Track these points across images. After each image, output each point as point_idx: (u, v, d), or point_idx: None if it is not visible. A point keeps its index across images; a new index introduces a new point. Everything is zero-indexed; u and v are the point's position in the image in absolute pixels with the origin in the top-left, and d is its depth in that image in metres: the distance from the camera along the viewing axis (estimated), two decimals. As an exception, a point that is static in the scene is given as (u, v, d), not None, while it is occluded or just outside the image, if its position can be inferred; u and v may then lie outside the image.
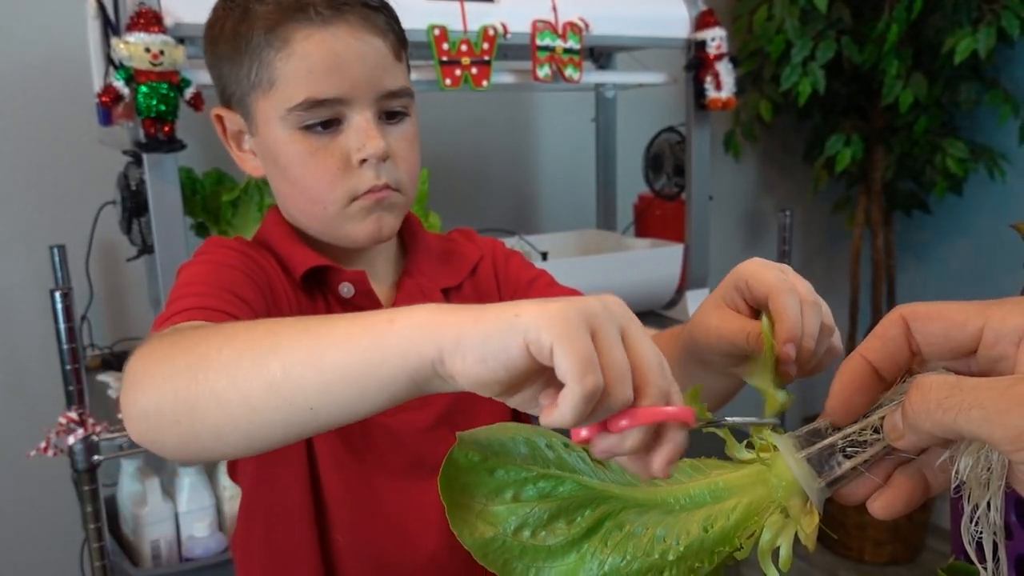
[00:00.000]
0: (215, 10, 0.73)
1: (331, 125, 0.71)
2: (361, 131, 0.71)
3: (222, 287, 0.66)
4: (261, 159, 0.76)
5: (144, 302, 1.63)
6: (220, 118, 0.77)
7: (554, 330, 0.36)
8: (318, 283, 0.76)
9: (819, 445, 0.39)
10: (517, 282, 0.83)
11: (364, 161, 0.71)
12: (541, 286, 0.82)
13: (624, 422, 0.38)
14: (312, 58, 0.68)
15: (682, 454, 0.39)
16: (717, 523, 0.39)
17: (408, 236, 0.83)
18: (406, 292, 0.78)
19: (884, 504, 0.38)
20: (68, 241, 1.50)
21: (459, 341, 0.38)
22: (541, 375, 0.38)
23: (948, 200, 2.32)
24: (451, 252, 0.84)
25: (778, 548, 0.39)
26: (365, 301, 0.75)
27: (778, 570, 0.39)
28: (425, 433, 0.77)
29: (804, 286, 0.50)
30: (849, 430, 0.39)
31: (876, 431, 0.38)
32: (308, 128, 0.70)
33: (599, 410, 0.37)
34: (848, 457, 0.39)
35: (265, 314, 0.68)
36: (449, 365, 0.38)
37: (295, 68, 0.69)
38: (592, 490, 0.39)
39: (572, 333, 0.36)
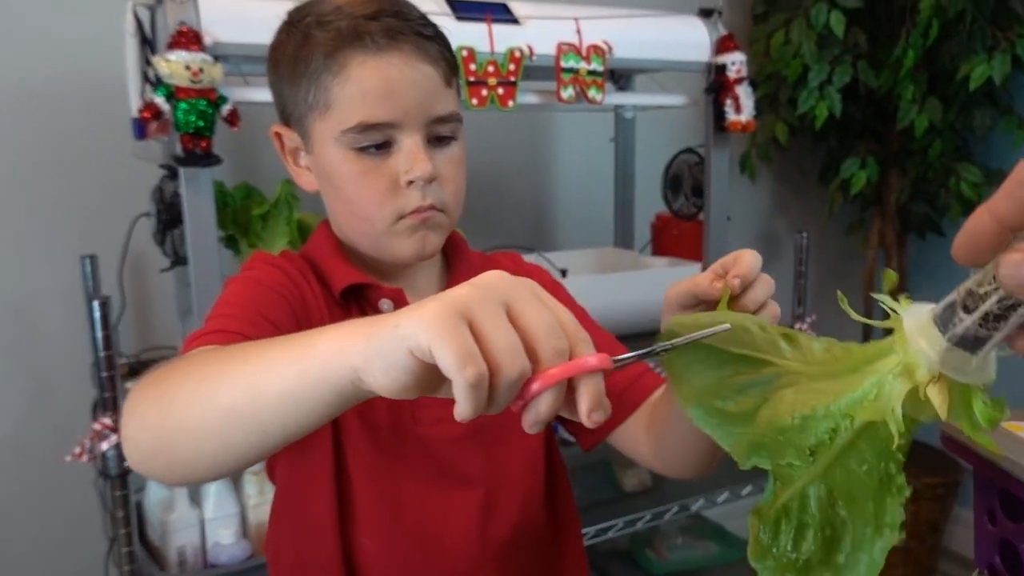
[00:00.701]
0: (279, 33, 0.77)
1: (383, 147, 0.74)
2: (410, 154, 0.74)
3: (254, 309, 0.70)
4: (316, 176, 0.79)
5: (170, 312, 1.66)
6: (279, 135, 0.80)
7: (429, 331, 0.39)
8: (358, 299, 0.79)
9: (940, 304, 0.38)
10: None
11: (411, 182, 0.74)
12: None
13: (535, 386, 0.40)
14: (367, 84, 0.72)
15: (600, 397, 0.41)
16: (847, 392, 0.44)
17: (452, 254, 0.86)
18: None
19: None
20: (96, 252, 1.53)
21: (365, 359, 0.42)
22: None
23: (962, 223, 2.33)
24: None
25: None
26: None
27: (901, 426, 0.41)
28: (455, 443, 0.80)
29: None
30: (967, 284, 0.36)
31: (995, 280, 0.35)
32: (361, 149, 0.74)
33: (499, 391, 0.39)
34: (968, 311, 0.36)
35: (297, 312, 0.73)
36: (366, 381, 0.42)
37: (350, 93, 0.72)
38: (775, 365, 0.48)
39: (445, 330, 0.38)
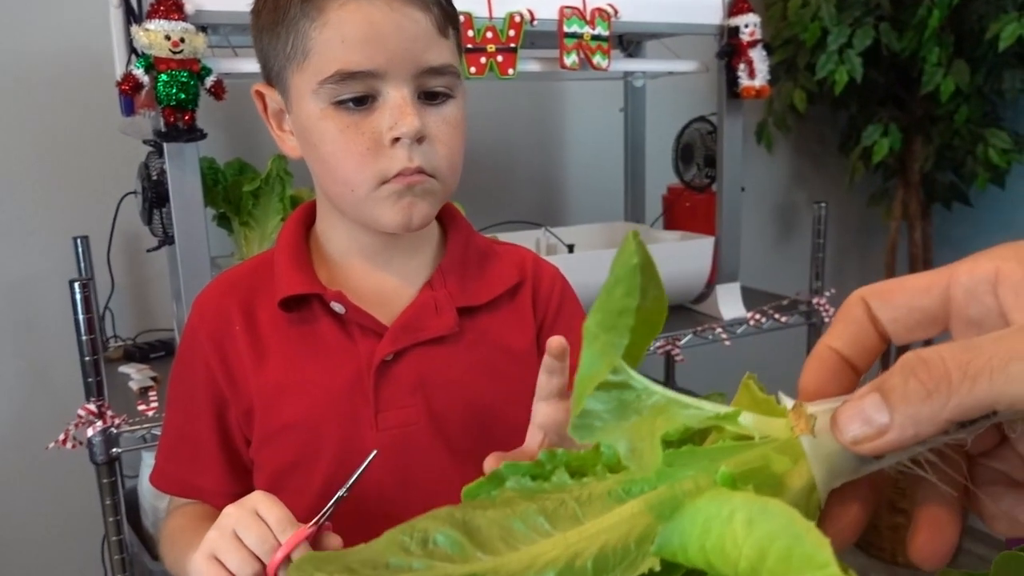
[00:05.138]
0: None
1: (365, 102, 0.67)
2: (395, 108, 0.67)
3: (182, 435, 0.78)
4: (297, 138, 0.73)
5: (168, 293, 1.63)
6: (261, 95, 0.74)
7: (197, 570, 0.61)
8: (311, 299, 0.74)
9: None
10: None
11: (397, 140, 0.67)
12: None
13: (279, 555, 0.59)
14: (346, 27, 0.65)
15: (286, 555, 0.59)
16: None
17: (448, 229, 0.80)
18: (421, 303, 0.75)
19: (926, 544, 0.28)
20: (92, 232, 1.50)
21: None
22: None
23: (990, 192, 2.24)
24: (488, 269, 0.80)
25: None
26: (358, 316, 0.73)
27: None
28: None
29: None
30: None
31: None
32: (340, 104, 0.67)
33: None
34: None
35: (215, 390, 0.76)
36: None
37: (328, 38, 0.66)
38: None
39: (205, 567, 0.60)
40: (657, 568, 0.21)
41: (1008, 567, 0.37)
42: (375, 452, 0.61)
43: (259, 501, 0.60)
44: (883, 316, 0.29)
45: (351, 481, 0.61)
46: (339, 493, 0.61)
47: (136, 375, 1.29)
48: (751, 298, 1.66)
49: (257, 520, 0.59)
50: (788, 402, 0.27)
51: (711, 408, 0.25)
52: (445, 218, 0.82)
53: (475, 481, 0.26)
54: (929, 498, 0.29)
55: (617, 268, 0.24)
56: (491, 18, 1.31)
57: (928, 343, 0.27)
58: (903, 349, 0.28)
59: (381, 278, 0.76)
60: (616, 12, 1.40)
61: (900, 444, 0.25)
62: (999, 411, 0.24)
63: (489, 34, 1.31)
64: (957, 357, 0.24)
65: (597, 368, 0.24)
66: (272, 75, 0.72)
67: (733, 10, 1.50)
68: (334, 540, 0.61)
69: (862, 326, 0.30)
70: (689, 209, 1.81)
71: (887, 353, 0.31)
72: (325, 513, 0.60)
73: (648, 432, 0.23)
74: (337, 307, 0.73)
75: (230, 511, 0.60)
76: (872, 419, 0.25)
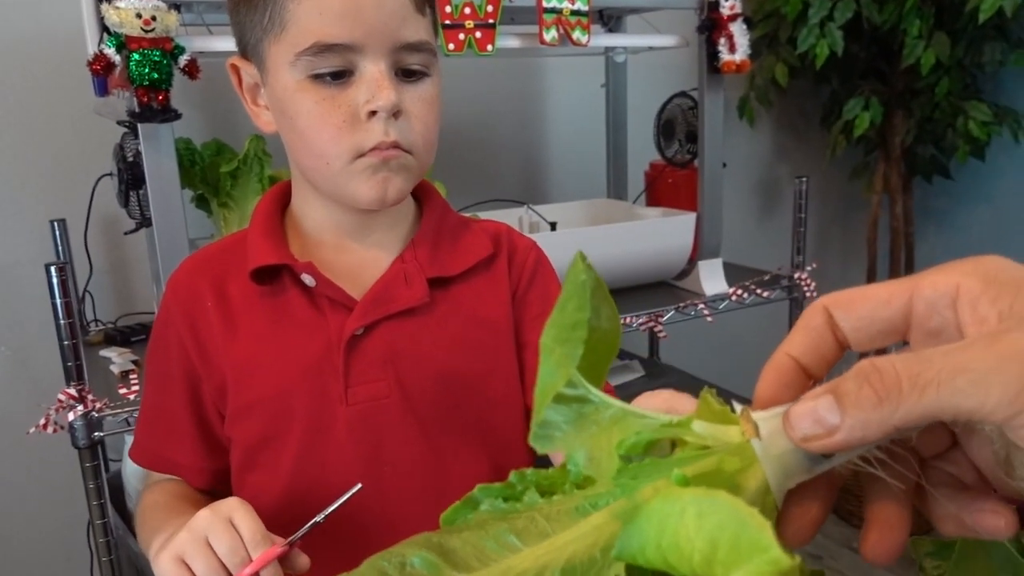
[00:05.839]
0: None
1: (342, 76, 0.67)
2: (372, 82, 0.67)
3: (158, 411, 0.78)
4: (272, 111, 0.72)
5: (148, 276, 1.61)
6: (236, 69, 0.73)
7: (161, 570, 0.60)
8: (282, 273, 0.74)
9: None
10: (528, 308, 0.80)
11: (373, 114, 0.67)
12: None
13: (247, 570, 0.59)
14: (325, 0, 0.65)
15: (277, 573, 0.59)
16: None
17: (424, 205, 0.80)
18: (391, 276, 0.75)
19: (877, 543, 0.29)
20: (70, 215, 1.48)
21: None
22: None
23: (970, 165, 2.25)
24: (461, 241, 0.80)
25: None
26: (328, 290, 0.73)
27: None
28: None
29: None
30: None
31: None
32: (317, 77, 0.67)
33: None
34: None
35: (189, 366, 0.75)
36: None
37: (306, 10, 0.65)
38: None
39: (169, 569, 0.59)
40: (622, 574, 0.22)
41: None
42: (359, 486, 0.61)
43: (235, 509, 0.60)
44: (845, 325, 0.30)
45: (330, 509, 0.60)
46: (316, 519, 0.61)
47: (117, 359, 1.29)
48: (733, 273, 1.66)
49: (230, 529, 0.59)
50: (740, 410, 0.28)
51: (665, 418, 0.25)
52: (421, 194, 0.83)
53: (451, 506, 0.27)
54: (880, 495, 0.30)
55: (568, 284, 0.25)
56: (469, -6, 1.29)
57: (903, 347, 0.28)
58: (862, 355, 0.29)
59: (355, 254, 0.76)
60: (596, -13, 1.39)
61: (848, 445, 0.26)
62: (944, 419, 0.25)
63: (467, 10, 1.29)
64: (909, 368, 0.25)
65: (554, 379, 0.24)
66: (248, 48, 0.72)
67: (714, -16, 1.49)
68: (303, 559, 0.61)
69: (822, 335, 0.31)
70: (671, 185, 1.81)
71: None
72: (299, 534, 0.60)
73: (606, 442, 0.24)
74: (307, 279, 0.72)
75: (204, 515, 0.60)
76: (823, 419, 0.26)
